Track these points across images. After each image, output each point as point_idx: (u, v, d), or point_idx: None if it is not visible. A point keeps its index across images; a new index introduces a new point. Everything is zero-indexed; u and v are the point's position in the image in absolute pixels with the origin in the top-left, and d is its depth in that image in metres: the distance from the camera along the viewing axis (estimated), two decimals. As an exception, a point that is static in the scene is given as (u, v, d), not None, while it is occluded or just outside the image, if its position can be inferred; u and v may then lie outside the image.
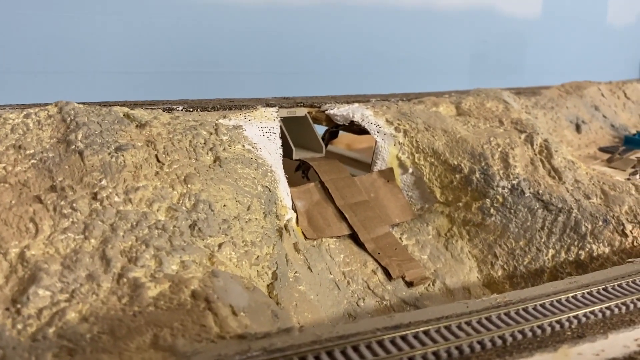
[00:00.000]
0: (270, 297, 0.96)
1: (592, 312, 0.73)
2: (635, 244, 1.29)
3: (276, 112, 1.38)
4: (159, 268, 0.77)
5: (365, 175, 1.44)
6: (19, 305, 0.67)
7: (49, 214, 0.80)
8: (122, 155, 0.92)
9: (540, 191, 1.35)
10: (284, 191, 1.25)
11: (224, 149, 1.13)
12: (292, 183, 1.35)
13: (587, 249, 1.29)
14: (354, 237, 1.30)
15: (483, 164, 1.38)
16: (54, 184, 0.85)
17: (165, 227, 0.85)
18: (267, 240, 1.04)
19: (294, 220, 1.24)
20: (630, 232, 1.30)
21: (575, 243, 1.30)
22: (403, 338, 0.65)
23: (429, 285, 1.26)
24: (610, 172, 1.56)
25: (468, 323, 0.68)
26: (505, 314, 0.71)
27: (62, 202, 0.82)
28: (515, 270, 1.31)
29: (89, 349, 0.62)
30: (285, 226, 1.19)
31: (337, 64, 3.17)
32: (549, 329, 0.69)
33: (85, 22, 1.94)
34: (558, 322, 0.70)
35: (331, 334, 0.66)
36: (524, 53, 3.92)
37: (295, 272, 1.09)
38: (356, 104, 1.52)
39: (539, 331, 0.68)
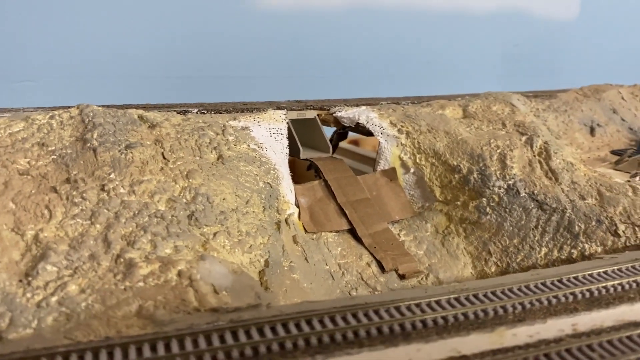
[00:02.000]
0: (261, 282, 1.05)
1: (537, 300, 0.79)
2: (627, 244, 1.32)
3: (284, 114, 1.48)
4: (153, 251, 0.88)
5: (369, 175, 1.52)
6: (30, 278, 0.79)
7: (62, 202, 0.92)
8: (131, 152, 1.04)
9: (536, 191, 1.40)
10: (287, 188, 1.34)
11: (229, 148, 1.23)
12: (302, 180, 1.45)
13: (579, 248, 1.33)
14: (352, 232, 1.38)
15: (481, 165, 1.44)
16: (69, 176, 0.97)
17: (164, 216, 0.96)
18: (263, 232, 1.14)
19: (295, 215, 1.34)
20: (623, 232, 1.33)
21: (568, 242, 1.35)
22: (354, 315, 0.73)
23: (422, 278, 1.33)
24: (614, 174, 1.58)
25: (417, 305, 0.76)
26: (455, 298, 0.78)
27: (74, 192, 0.94)
28: (508, 267, 1.36)
29: (82, 315, 0.73)
30: (286, 220, 1.28)
31: (365, 67, 3.24)
32: (492, 313, 0.76)
33: (119, 31, 2.10)
34: (502, 307, 0.77)
35: (292, 310, 0.75)
36: (558, 56, 3.88)
37: (291, 262, 1.19)
38: (363, 107, 1.60)
39: (481, 314, 0.75)
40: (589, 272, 0.88)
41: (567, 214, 1.36)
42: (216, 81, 2.24)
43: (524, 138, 1.52)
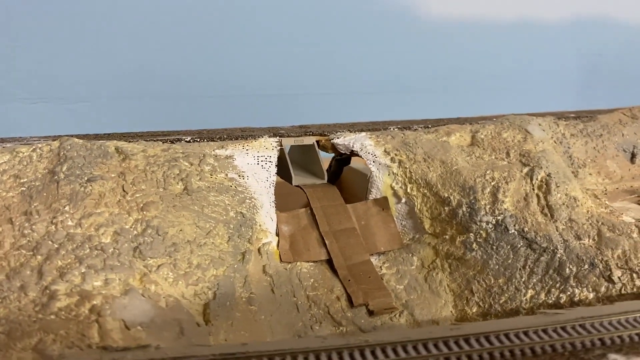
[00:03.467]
0: (204, 315, 1.09)
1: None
2: (623, 291, 1.21)
3: (276, 141, 1.50)
4: (81, 283, 0.94)
5: (361, 203, 1.50)
6: (-40, 305, 0.88)
7: (13, 234, 1.01)
8: (91, 185, 1.12)
9: (526, 228, 1.32)
10: (266, 216, 1.37)
11: (200, 179, 1.28)
12: (296, 207, 1.45)
13: (568, 293, 1.24)
14: (331, 263, 1.37)
15: (471, 198, 1.38)
16: (29, 208, 1.07)
17: (105, 248, 1.02)
18: (219, 263, 1.17)
19: (273, 244, 1.35)
20: (619, 278, 1.22)
21: (557, 285, 1.25)
22: (223, 364, 0.74)
23: (394, 315, 1.29)
24: (635, 209, 1.44)
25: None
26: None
27: (26, 224, 1.03)
28: (490, 308, 1.29)
29: (-13, 345, 0.81)
30: (259, 249, 1.31)
31: (423, 83, 3.17)
32: None
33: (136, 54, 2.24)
34: None
35: (175, 354, 0.78)
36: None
37: (251, 293, 1.21)
38: (363, 133, 1.58)
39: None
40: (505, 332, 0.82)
41: (558, 255, 1.27)
42: (244, 100, 2.32)
43: (525, 169, 1.43)
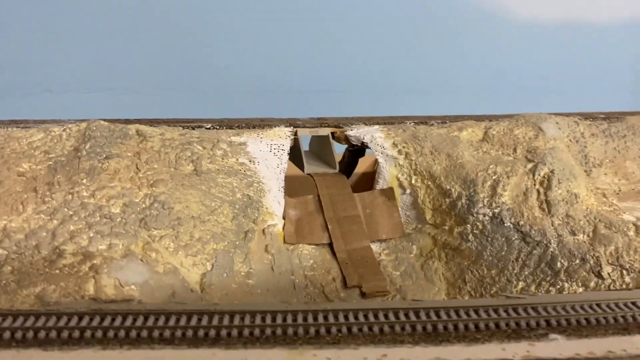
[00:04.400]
0: (201, 284, 1.19)
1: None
2: (612, 287, 1.22)
3: (290, 131, 1.59)
4: (87, 245, 1.07)
5: (368, 192, 1.56)
6: (-16, 257, 1.02)
7: (35, 200, 1.15)
8: (108, 162, 1.24)
9: (522, 222, 1.34)
10: (273, 200, 1.46)
11: (211, 162, 1.39)
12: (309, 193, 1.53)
13: (558, 286, 1.26)
14: (332, 247, 1.44)
15: (471, 190, 1.41)
16: (53, 179, 1.20)
17: (113, 217, 1.15)
18: (220, 239, 1.27)
19: (279, 226, 1.44)
20: (609, 274, 1.22)
21: (548, 279, 1.27)
22: (189, 316, 0.84)
23: (386, 298, 1.35)
24: (639, 208, 1.43)
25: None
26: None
27: (48, 193, 1.16)
28: (481, 298, 1.32)
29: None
30: (264, 230, 1.40)
31: (469, 81, 3.17)
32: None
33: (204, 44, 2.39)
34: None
35: (151, 307, 0.88)
36: None
37: (250, 269, 1.30)
38: (376, 126, 1.65)
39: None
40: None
41: (551, 249, 1.29)
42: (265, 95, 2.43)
43: (529, 165, 1.45)
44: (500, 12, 3.00)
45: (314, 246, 1.44)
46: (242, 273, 1.28)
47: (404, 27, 2.79)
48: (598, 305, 0.90)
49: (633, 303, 0.90)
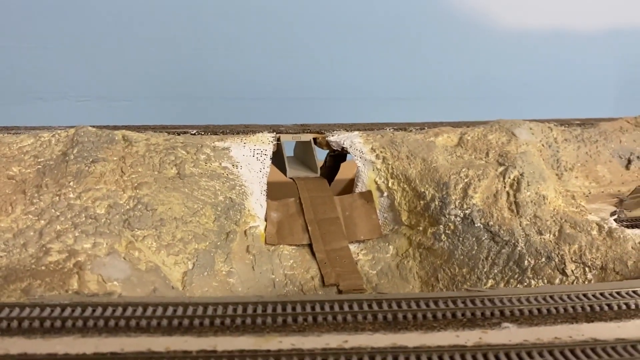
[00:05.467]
0: (182, 282, 1.24)
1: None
2: (575, 284, 1.27)
3: (273, 137, 1.65)
4: (73, 244, 1.12)
5: (347, 195, 1.62)
6: (-27, 255, 1.08)
7: (24, 202, 1.20)
8: (94, 166, 1.30)
9: (491, 222, 1.40)
10: (255, 203, 1.51)
11: (194, 165, 1.44)
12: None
13: (525, 284, 1.32)
14: (311, 248, 1.50)
15: (444, 193, 1.47)
16: (41, 182, 1.26)
17: (98, 218, 1.20)
18: (201, 239, 1.32)
19: (260, 228, 1.50)
20: (572, 271, 1.28)
21: (516, 276, 1.33)
22: (165, 307, 0.89)
23: (362, 296, 1.40)
24: (605, 209, 1.49)
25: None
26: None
27: (36, 194, 1.22)
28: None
29: (-13, 285, 1.00)
30: (245, 231, 1.46)
31: (453, 90, 3.24)
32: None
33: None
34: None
35: (129, 299, 0.93)
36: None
37: (231, 268, 1.36)
38: (355, 132, 1.71)
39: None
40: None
41: (519, 248, 1.35)
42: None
43: (500, 169, 1.51)
44: (483, 20, 3.07)
45: (294, 247, 1.50)
46: (223, 272, 1.34)
47: (388, 36, 2.86)
48: (551, 297, 0.95)
49: (584, 295, 0.96)
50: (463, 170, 1.51)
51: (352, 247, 1.52)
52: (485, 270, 1.36)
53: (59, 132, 1.42)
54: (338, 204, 1.59)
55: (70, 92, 2.57)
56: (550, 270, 1.30)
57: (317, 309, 0.90)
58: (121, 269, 1.11)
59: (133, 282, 1.11)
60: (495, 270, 1.35)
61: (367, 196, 1.60)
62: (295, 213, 1.57)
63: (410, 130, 1.77)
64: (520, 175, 1.48)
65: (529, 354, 0.79)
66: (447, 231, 1.43)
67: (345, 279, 1.42)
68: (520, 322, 0.89)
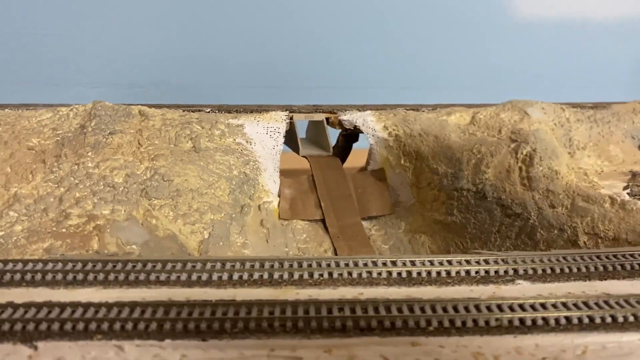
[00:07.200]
0: (198, 250, 1.26)
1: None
2: (588, 254, 1.28)
3: (286, 115, 1.67)
4: (92, 210, 1.14)
5: (360, 173, 1.64)
6: (-2, 219, 1.10)
7: (44, 170, 1.23)
8: (112, 137, 1.32)
9: (503, 196, 1.41)
10: (269, 179, 1.53)
11: (209, 140, 1.46)
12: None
13: (537, 256, 1.32)
14: (324, 223, 1.52)
15: (456, 168, 1.48)
16: (60, 152, 1.29)
17: (116, 186, 1.22)
18: (217, 210, 1.34)
19: (274, 203, 1.52)
20: (585, 243, 1.29)
21: (528, 249, 1.34)
22: (184, 264, 0.91)
23: (375, 269, 1.42)
24: (618, 185, 1.49)
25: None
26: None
27: (55, 163, 1.24)
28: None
29: (10, 245, 1.02)
30: (259, 206, 1.47)
31: (469, 80, 3.23)
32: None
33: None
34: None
35: (149, 257, 0.95)
36: None
37: (246, 240, 1.37)
38: (368, 111, 1.72)
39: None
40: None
41: (531, 221, 1.35)
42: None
43: (513, 145, 1.52)
44: (497, 9, 3.07)
45: (307, 222, 1.51)
46: (238, 243, 1.35)
47: (401, 25, 2.87)
48: (564, 257, 0.96)
49: (597, 256, 0.96)
50: (475, 146, 1.51)
51: (365, 223, 1.54)
52: (497, 243, 1.37)
53: (76, 106, 1.45)
54: (350, 182, 1.61)
55: (85, 79, 2.60)
56: (562, 242, 1.31)
57: (333, 265, 0.91)
58: (139, 233, 1.13)
59: (150, 246, 1.13)
60: (508, 243, 1.36)
61: (380, 174, 1.62)
62: (308, 189, 1.58)
63: (423, 111, 1.78)
64: (533, 150, 1.48)
65: (543, 305, 0.80)
66: (459, 205, 1.44)
67: (358, 252, 1.43)
68: (534, 280, 0.90)
